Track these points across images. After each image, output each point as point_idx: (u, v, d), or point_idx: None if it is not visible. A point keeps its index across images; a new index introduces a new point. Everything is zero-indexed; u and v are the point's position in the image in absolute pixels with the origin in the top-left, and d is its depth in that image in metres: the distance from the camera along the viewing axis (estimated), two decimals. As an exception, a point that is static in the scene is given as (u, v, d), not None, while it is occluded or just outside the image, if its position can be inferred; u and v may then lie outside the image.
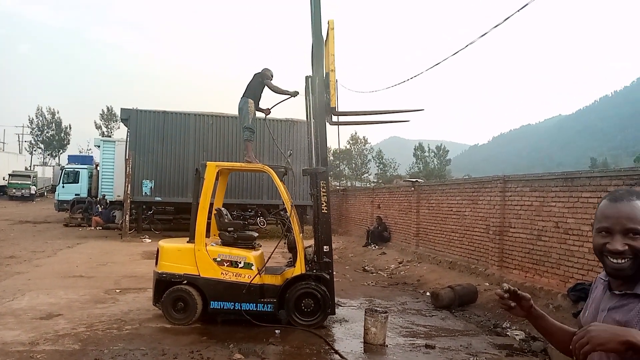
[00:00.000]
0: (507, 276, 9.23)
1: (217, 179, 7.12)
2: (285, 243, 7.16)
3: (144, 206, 19.07)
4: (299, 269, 6.68)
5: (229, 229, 6.98)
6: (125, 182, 17.06)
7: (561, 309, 7.33)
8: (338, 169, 61.74)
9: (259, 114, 7.85)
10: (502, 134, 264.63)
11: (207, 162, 6.87)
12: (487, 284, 9.40)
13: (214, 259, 6.62)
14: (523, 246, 8.95)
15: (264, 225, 20.31)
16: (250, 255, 6.71)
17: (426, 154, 67.90)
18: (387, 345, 6.03)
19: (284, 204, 7.53)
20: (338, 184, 54.38)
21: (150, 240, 16.65)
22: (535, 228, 8.63)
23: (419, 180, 14.42)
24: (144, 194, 17.71)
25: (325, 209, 6.91)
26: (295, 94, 7.41)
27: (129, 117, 17.60)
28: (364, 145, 68.97)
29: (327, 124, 7.22)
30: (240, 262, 6.64)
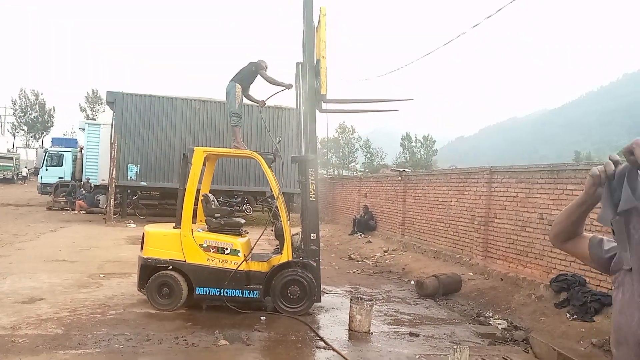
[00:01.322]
0: (490, 266, 9.34)
1: (204, 164, 7.06)
2: (272, 230, 7.15)
3: (129, 191, 18.89)
4: (286, 256, 6.67)
5: (215, 215, 6.93)
6: (110, 166, 16.85)
7: (543, 299, 7.44)
8: (326, 158, 61.75)
9: (252, 103, 7.78)
10: (489, 126, 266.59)
11: (195, 147, 6.80)
12: (472, 273, 9.51)
13: (200, 245, 6.59)
14: (507, 237, 9.05)
15: (250, 212, 20.27)
16: (237, 242, 6.68)
17: (413, 144, 68.14)
18: (371, 333, 6.07)
19: (271, 191, 7.50)
20: (325, 172, 54.44)
21: (135, 225, 16.52)
22: (520, 219, 8.72)
23: (406, 169, 14.47)
24: (129, 178, 17.52)
25: (313, 197, 6.90)
26: (289, 86, 7.33)
27: (115, 100, 17.32)
28: (352, 135, 69.02)
29: (317, 111, 7.19)
30: (226, 249, 6.61)
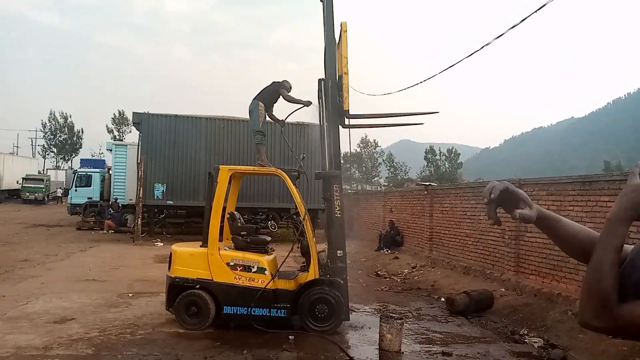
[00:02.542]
0: (523, 281, 9.08)
1: (229, 182, 7.07)
2: (298, 247, 7.09)
3: (156, 210, 19.11)
4: (313, 273, 6.60)
5: (242, 233, 6.92)
6: (137, 186, 17.09)
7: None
8: (348, 173, 61.66)
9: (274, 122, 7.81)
10: (514, 137, 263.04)
11: (220, 166, 6.84)
12: (503, 289, 9.25)
13: (227, 264, 6.57)
14: (540, 251, 8.79)
15: (274, 229, 20.26)
16: (264, 260, 6.64)
17: (437, 157, 67.52)
18: (402, 353, 5.92)
19: (296, 208, 7.46)
20: (349, 187, 54.29)
21: (162, 244, 16.66)
22: (553, 232, 8.46)
23: (432, 184, 14.29)
24: (155, 197, 17.74)
25: (339, 213, 6.83)
26: (308, 103, 7.35)
27: (141, 121, 17.64)
28: (375, 149, 68.87)
29: (340, 127, 7.15)
30: (253, 267, 6.58)
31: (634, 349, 6.00)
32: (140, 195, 16.94)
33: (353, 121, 7.08)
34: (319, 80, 7.07)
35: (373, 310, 8.24)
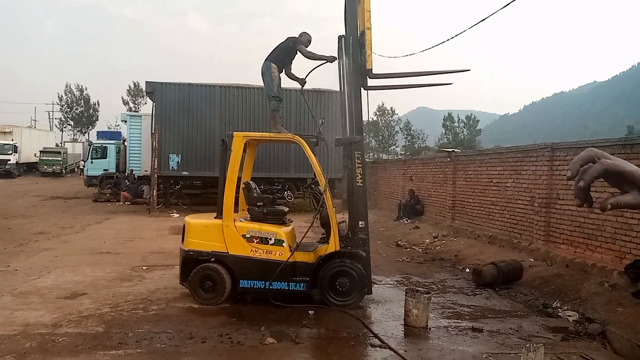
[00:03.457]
0: (554, 251, 8.62)
1: (244, 150, 6.66)
2: (317, 218, 6.71)
3: (172, 181, 18.90)
4: (333, 245, 6.23)
5: (258, 203, 6.55)
6: (152, 157, 16.83)
7: (617, 287, 6.72)
8: (365, 141, 60.77)
9: (290, 86, 7.21)
10: (534, 103, 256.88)
11: (234, 133, 6.42)
12: (532, 259, 8.82)
13: (243, 236, 6.22)
14: (573, 219, 8.29)
15: (291, 199, 19.95)
16: (282, 231, 6.28)
17: (455, 124, 66.24)
18: (430, 329, 5.57)
19: (314, 177, 7.06)
20: (366, 156, 53.50)
21: (178, 215, 16.50)
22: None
23: (455, 150, 13.72)
24: (170, 168, 17.51)
25: (360, 182, 6.41)
26: (332, 59, 6.68)
27: (154, 90, 17.26)
28: (391, 117, 67.65)
29: (362, 89, 6.64)
30: (270, 239, 6.22)
31: (681, 324, 5.56)
32: (155, 166, 16.69)
33: (377, 82, 6.54)
34: (339, 37, 6.53)
35: (395, 282, 7.89)
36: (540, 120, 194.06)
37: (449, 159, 13.18)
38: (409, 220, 14.73)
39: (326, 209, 6.32)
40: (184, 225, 6.58)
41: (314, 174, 6.99)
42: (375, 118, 66.19)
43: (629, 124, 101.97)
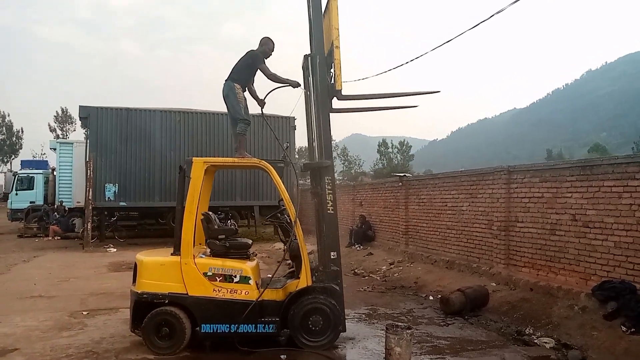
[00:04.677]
0: (515, 275, 8.56)
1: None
2: (284, 250, 6.22)
3: (106, 212, 17.67)
4: (305, 280, 5.75)
5: (219, 236, 5.97)
6: (86, 187, 15.63)
7: (588, 310, 6.67)
8: (300, 165, 60.48)
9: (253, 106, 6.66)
10: (460, 129, 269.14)
11: (193, 159, 5.84)
12: (494, 284, 8.71)
13: (204, 274, 5.61)
14: (533, 242, 8.29)
15: (236, 228, 19.21)
16: (247, 267, 5.74)
17: (389, 150, 67.78)
18: (414, 367, 5.19)
19: (279, 204, 6.59)
20: (303, 181, 53.34)
21: (115, 250, 15.37)
22: (548, 222, 7.97)
23: (406, 174, 13.68)
24: (107, 198, 16.36)
25: (332, 209, 6.01)
26: (296, 84, 6.26)
27: (89, 115, 16.17)
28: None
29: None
30: (235, 276, 5.66)
31: (659, 346, 5.52)
32: (90, 197, 15.51)
33: (341, 104, 6.22)
34: (305, 57, 6.16)
35: (363, 315, 7.49)
36: (466, 146, 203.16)
37: (400, 184, 13.09)
38: (361, 247, 14.46)
39: (296, 240, 5.85)
40: (135, 264, 5.88)
41: (279, 201, 6.54)
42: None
43: (547, 147, 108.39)
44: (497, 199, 9.17)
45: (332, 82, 6.03)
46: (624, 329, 5.99)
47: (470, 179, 10.20)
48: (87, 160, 15.82)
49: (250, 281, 5.67)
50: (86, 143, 16.61)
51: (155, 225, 19.43)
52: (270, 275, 6.14)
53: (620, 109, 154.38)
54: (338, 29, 5.88)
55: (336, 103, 6.24)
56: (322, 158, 6.01)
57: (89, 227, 15.79)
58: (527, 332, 6.65)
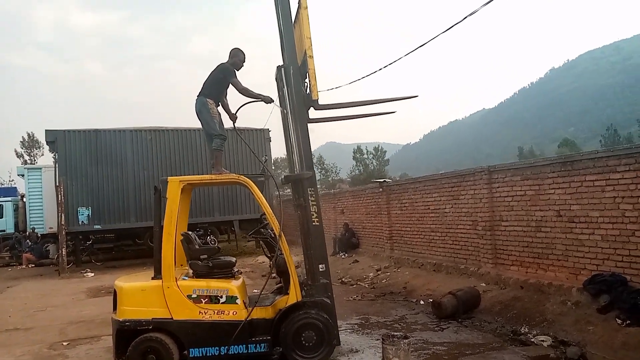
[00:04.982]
0: (504, 274, 8.52)
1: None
2: (270, 266, 6.01)
3: (81, 236, 17.12)
4: (294, 296, 5.54)
5: (201, 256, 5.73)
6: (58, 212, 15.11)
7: (581, 305, 6.63)
8: (281, 178, 60.32)
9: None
10: (432, 132, 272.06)
11: (169, 178, 5.61)
12: (484, 284, 8.66)
13: (189, 296, 5.37)
14: (520, 240, 8.26)
15: (215, 244, 18.83)
16: (233, 287, 5.51)
17: (365, 156, 68.05)
18: (414, 377, 5.03)
19: (261, 219, 6.40)
20: (282, 191, 52.92)
21: (93, 275, 14.89)
22: (533, 219, 7.95)
23: (386, 180, 13.61)
24: (80, 222, 15.84)
25: (317, 221, 5.83)
26: (268, 100, 6.07)
27: (56, 139, 15.68)
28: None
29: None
30: (221, 297, 5.42)
31: (655, 337, 5.48)
32: (63, 222, 14.99)
33: (322, 113, 6.07)
34: (278, 68, 6.01)
35: (355, 325, 7.30)
36: (439, 147, 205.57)
37: (381, 189, 13.01)
38: (346, 255, 14.31)
39: (282, 255, 5.65)
40: (114, 291, 5.60)
41: (262, 216, 6.36)
42: (283, 156, 66.24)
43: (518, 145, 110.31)
44: (480, 199, 9.13)
45: (308, 92, 5.87)
46: (619, 321, 5.96)
47: (451, 181, 10.16)
48: (57, 184, 15.32)
49: (238, 300, 5.44)
50: (55, 167, 16.11)
51: (133, 246, 18.94)
52: (257, 291, 5.93)
53: (585, 105, 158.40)
54: (310, 38, 5.73)
55: (313, 113, 6.08)
56: (303, 169, 5.84)
57: (63, 253, 15.24)
58: (522, 332, 6.56)
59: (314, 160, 55.01)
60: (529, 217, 8.02)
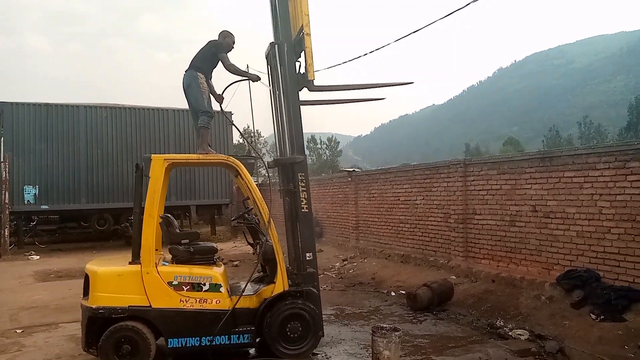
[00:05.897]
0: (475, 267, 8.60)
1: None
2: (254, 253, 5.75)
3: (23, 217, 16.05)
4: (281, 285, 5.31)
5: (183, 240, 5.39)
6: (1, 190, 14.10)
7: (554, 299, 6.75)
8: (267, 161, 59.32)
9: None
10: (383, 125, 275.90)
11: (152, 156, 5.20)
12: (454, 277, 8.70)
13: (169, 283, 5.02)
14: (492, 234, 8.35)
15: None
16: (217, 274, 5.21)
17: (319, 146, 68.02)
18: (403, 370, 4.93)
19: (247, 206, 6.11)
20: (266, 177, 51.87)
21: (38, 257, 14.06)
22: (507, 213, 8.05)
23: (355, 169, 13.51)
24: (26, 202, 14.86)
25: (306, 207, 5.63)
26: (255, 78, 5.79)
27: (2, 111, 14.60)
28: (258, 139, 67.26)
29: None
30: (204, 284, 5.11)
31: (629, 331, 5.64)
32: (6, 201, 14.01)
33: (318, 95, 5.82)
34: (271, 44, 5.70)
35: (332, 316, 7.14)
36: (390, 140, 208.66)
37: (349, 179, 12.89)
38: (308, 244, 14.12)
39: (270, 242, 5.39)
40: (86, 275, 5.17)
41: (244, 201, 6.08)
42: (241, 141, 65.24)
43: (465, 141, 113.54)
44: (453, 192, 9.17)
45: (303, 71, 5.60)
46: (593, 316, 6.10)
47: (423, 173, 10.16)
48: (2, 160, 14.29)
49: (222, 289, 5.15)
50: (0, 141, 14.99)
51: (78, 229, 17.91)
52: (238, 282, 5.66)
53: (529, 105, 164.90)
54: (308, 15, 5.46)
55: (304, 95, 5.83)
56: (294, 153, 5.59)
57: (6, 234, 14.28)
58: (498, 325, 6.61)
59: (267, 148, 53.55)
60: (504, 211, 8.11)
